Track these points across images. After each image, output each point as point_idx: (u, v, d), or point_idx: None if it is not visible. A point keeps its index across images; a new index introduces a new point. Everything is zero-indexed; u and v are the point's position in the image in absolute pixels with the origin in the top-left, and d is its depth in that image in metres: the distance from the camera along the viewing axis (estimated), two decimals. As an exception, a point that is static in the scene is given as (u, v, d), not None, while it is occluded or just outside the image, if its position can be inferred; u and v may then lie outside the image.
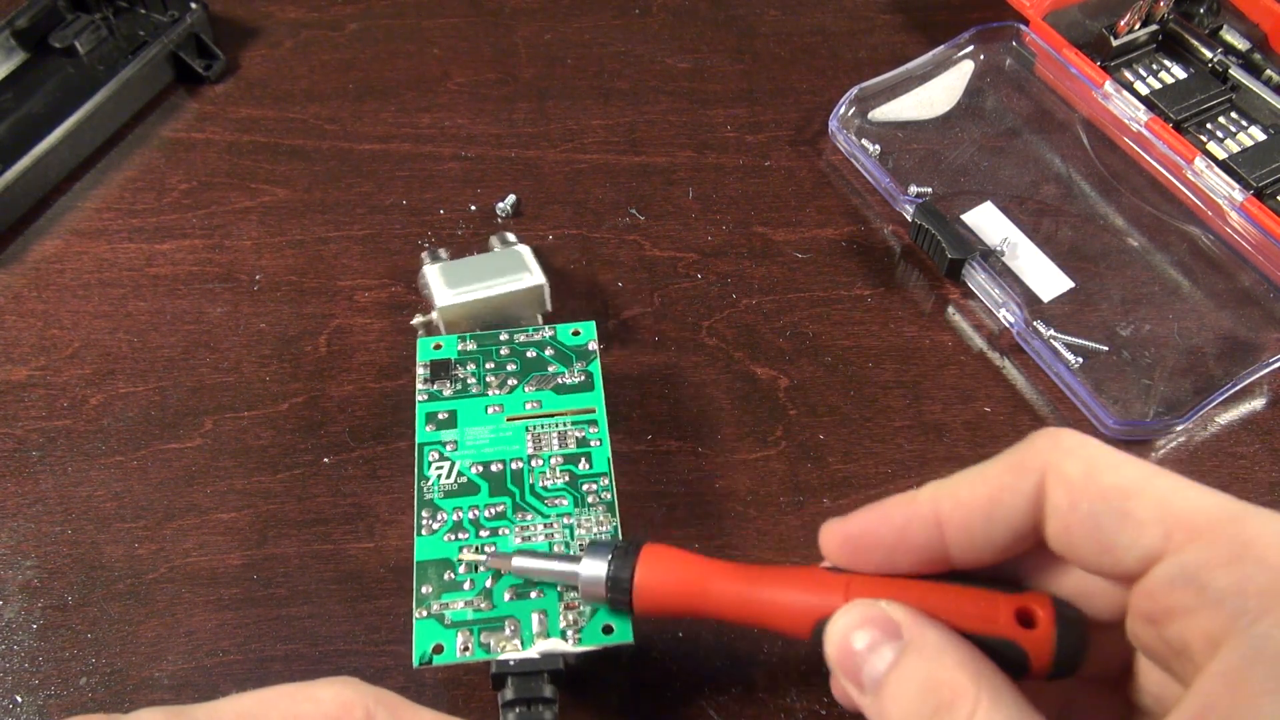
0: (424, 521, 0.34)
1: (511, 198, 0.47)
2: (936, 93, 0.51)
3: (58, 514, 0.38)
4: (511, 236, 0.44)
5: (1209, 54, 0.50)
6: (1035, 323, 0.43)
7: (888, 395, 0.42)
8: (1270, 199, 0.46)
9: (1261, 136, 0.48)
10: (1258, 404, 0.42)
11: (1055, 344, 0.42)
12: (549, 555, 0.31)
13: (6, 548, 0.38)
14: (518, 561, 0.31)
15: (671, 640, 0.35)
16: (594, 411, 0.36)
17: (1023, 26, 0.52)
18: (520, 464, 0.35)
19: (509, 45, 0.55)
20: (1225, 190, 0.45)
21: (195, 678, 0.35)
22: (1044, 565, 0.25)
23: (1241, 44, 0.50)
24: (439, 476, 0.35)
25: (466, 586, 0.32)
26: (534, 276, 0.41)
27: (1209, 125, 0.49)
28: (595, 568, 0.29)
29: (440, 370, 0.38)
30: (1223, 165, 0.46)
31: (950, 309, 0.45)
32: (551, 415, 0.36)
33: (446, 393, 0.37)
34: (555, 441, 0.35)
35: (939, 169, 0.49)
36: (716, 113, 0.52)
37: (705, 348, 0.43)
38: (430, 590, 0.32)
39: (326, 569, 0.37)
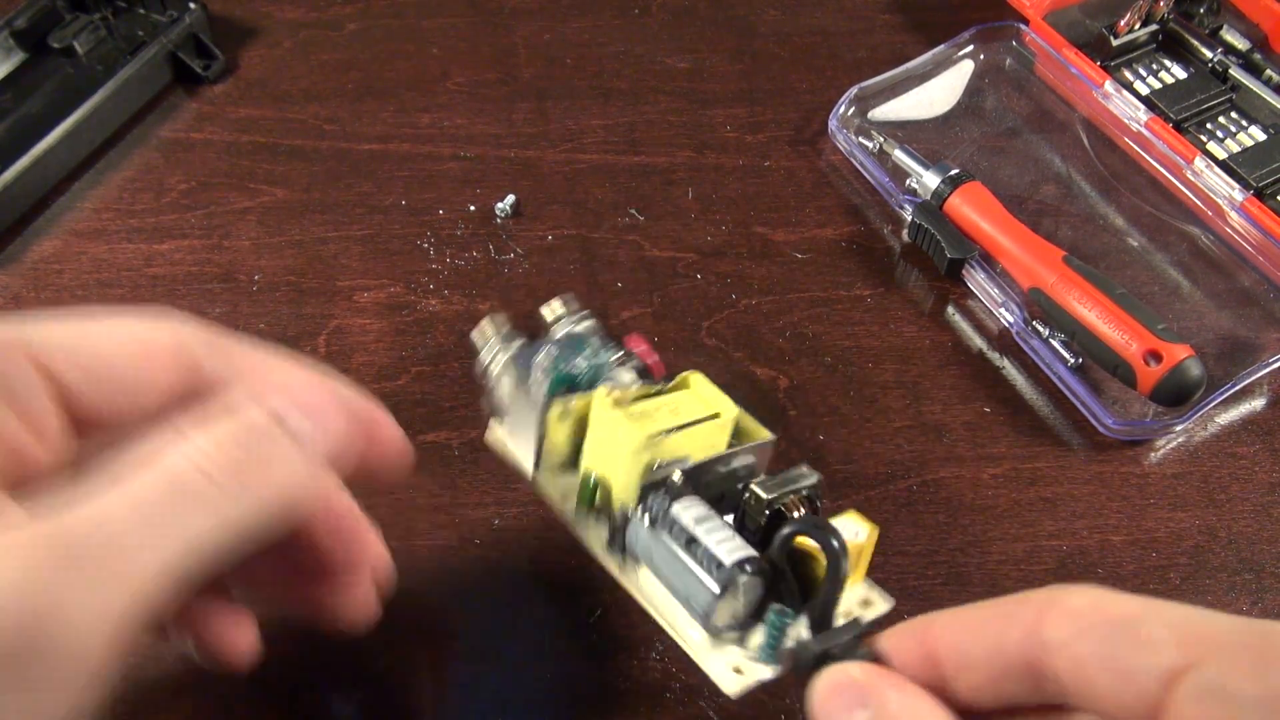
0: None
1: (511, 198, 0.47)
2: (936, 93, 0.51)
3: (57, 514, 0.38)
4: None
5: (1209, 54, 0.50)
6: (1035, 323, 0.43)
7: (888, 395, 0.42)
8: (1270, 199, 0.45)
9: (1261, 136, 0.48)
10: (1258, 404, 0.42)
11: (1055, 344, 0.42)
12: None
13: (5, 548, 0.37)
14: None
15: (671, 640, 0.35)
16: None
17: (1023, 26, 0.52)
18: None
19: (509, 45, 0.55)
20: (1225, 190, 0.45)
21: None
22: None
23: (1241, 44, 0.50)
24: None
25: None
26: None
27: (1209, 125, 0.49)
28: None
29: None
30: (1223, 165, 0.46)
31: (950, 309, 0.45)
32: None
33: None
34: None
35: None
36: (716, 113, 0.52)
37: (705, 348, 0.43)
38: None
39: (326, 569, 0.37)
